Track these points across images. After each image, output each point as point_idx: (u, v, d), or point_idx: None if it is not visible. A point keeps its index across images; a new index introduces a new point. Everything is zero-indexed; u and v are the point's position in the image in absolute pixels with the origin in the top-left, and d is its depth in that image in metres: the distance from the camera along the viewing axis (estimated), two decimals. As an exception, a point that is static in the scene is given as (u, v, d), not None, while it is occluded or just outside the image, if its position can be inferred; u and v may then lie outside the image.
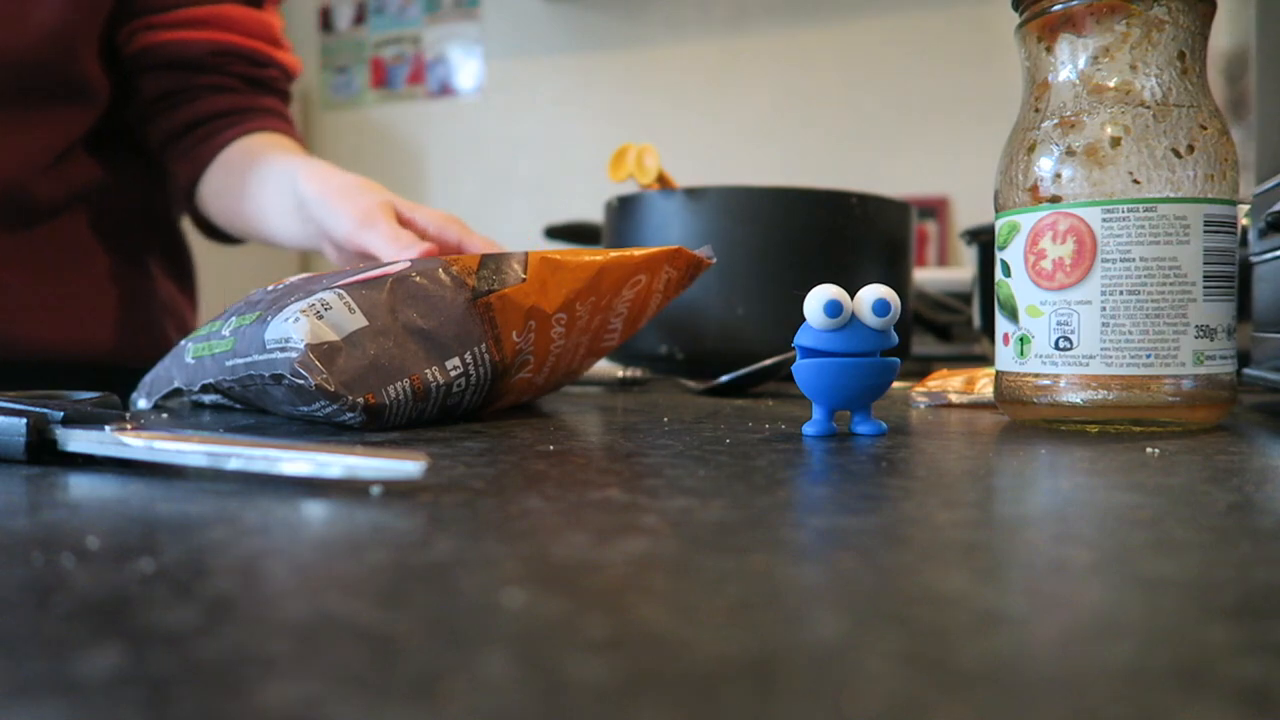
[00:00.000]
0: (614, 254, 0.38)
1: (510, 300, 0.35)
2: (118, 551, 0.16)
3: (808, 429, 0.32)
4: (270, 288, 0.38)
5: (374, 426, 0.34)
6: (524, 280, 0.36)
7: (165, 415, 0.40)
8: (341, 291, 0.33)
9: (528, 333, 0.36)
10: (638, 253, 0.39)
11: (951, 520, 0.18)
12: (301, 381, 0.32)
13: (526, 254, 0.37)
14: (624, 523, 0.18)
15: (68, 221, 0.62)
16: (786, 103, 2.06)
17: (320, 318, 0.33)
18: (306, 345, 0.32)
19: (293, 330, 0.32)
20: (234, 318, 0.36)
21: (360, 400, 0.32)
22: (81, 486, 0.22)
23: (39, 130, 0.59)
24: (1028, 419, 0.36)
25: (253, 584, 0.14)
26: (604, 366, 0.58)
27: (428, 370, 0.34)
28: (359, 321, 0.33)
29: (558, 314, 0.37)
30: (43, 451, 0.25)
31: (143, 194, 0.68)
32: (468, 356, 0.35)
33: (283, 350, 0.33)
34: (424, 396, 0.34)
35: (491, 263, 0.36)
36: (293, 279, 0.39)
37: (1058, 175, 0.34)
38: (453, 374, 0.35)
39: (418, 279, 0.35)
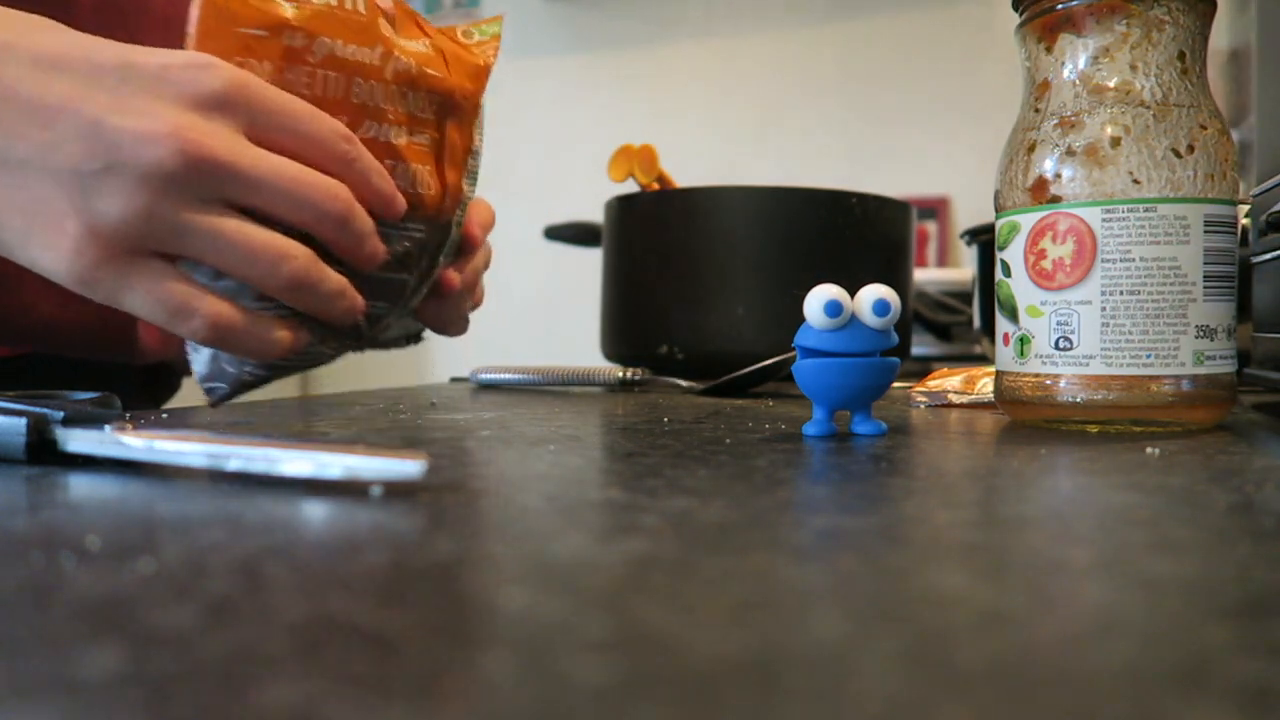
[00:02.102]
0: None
1: None
2: (118, 551, 0.16)
3: (808, 429, 0.32)
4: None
5: None
6: None
7: (165, 415, 0.40)
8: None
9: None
10: None
11: (951, 520, 0.18)
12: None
13: None
14: (624, 523, 0.18)
15: None
16: (786, 103, 2.06)
17: None
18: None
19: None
20: None
21: None
22: (81, 486, 0.22)
23: None
24: (1028, 419, 0.36)
25: (253, 584, 0.14)
26: (604, 366, 0.58)
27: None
28: None
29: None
30: (43, 451, 0.25)
31: None
32: None
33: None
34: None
35: None
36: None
37: (1058, 175, 0.34)
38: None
39: None
